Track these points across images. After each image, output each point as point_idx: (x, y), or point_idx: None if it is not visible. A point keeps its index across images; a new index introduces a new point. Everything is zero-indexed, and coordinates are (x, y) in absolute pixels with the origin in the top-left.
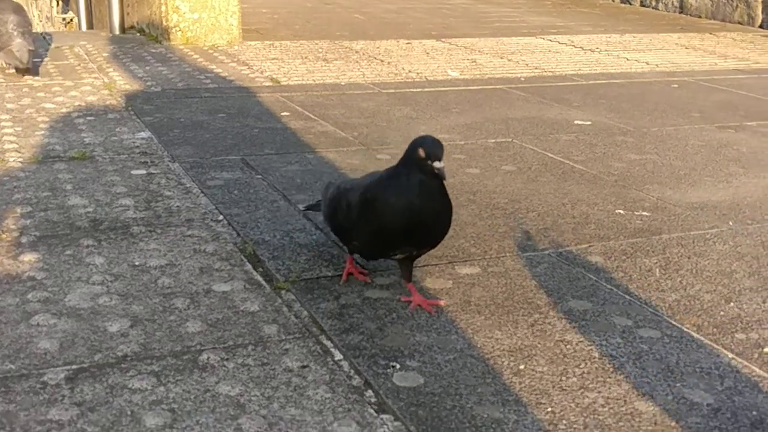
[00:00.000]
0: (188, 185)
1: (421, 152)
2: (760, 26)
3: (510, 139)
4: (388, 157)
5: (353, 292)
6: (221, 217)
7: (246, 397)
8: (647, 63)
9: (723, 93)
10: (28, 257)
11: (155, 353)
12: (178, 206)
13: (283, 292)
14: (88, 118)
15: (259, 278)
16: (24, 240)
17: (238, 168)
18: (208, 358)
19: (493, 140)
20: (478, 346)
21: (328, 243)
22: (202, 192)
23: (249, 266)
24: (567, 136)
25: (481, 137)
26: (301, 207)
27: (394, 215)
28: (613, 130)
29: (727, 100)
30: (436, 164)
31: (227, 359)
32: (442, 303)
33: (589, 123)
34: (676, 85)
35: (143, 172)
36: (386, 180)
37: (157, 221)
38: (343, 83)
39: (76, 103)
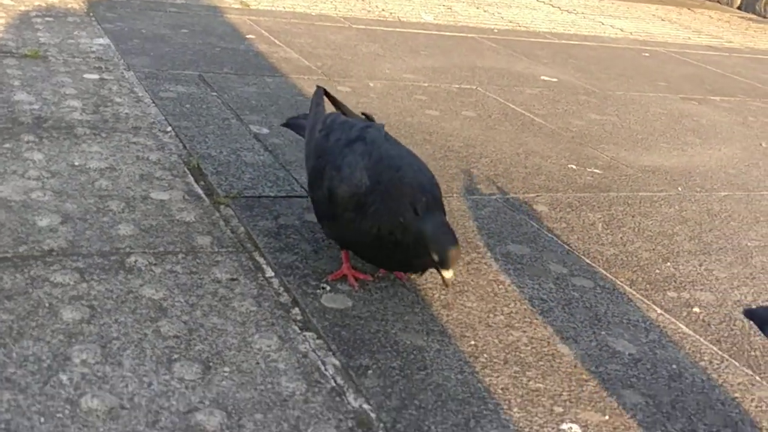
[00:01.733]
0: (140, 94)
1: (435, 256)
2: (738, 8)
3: (474, 87)
4: (348, 90)
5: (293, 214)
6: (169, 129)
7: (169, 302)
8: (621, 30)
9: (692, 67)
10: None
11: (82, 251)
12: (126, 113)
13: (222, 206)
14: (47, 18)
15: (200, 191)
16: None
17: (194, 83)
18: (136, 261)
19: (458, 86)
20: (412, 277)
21: (275, 165)
22: (154, 102)
23: (191, 178)
24: (531, 90)
25: (445, 81)
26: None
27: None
28: (578, 89)
29: (695, 73)
30: (446, 274)
31: (155, 264)
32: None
33: (555, 80)
34: (647, 54)
35: (96, 77)
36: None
37: (104, 125)
38: (313, 14)
39: (37, 3)
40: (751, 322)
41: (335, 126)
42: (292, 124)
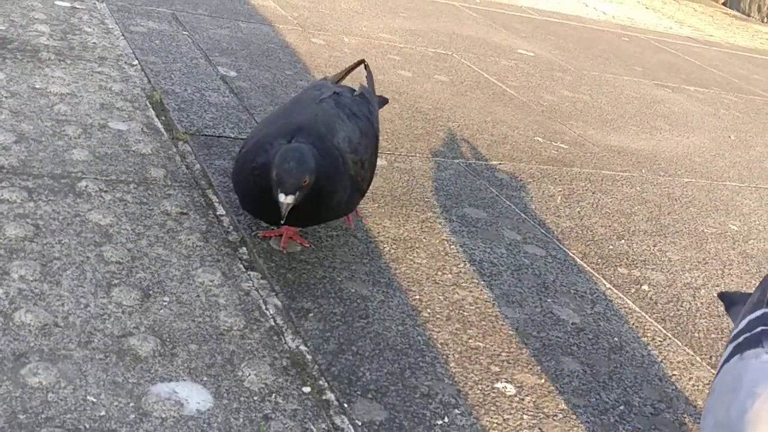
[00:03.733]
0: (111, 26)
1: (274, 173)
2: (724, 4)
3: (450, 53)
4: (322, 43)
5: None
6: (136, 62)
7: (115, 229)
8: (604, 13)
9: (670, 55)
10: None
11: (33, 171)
12: (94, 43)
13: (180, 142)
14: None
15: (159, 125)
16: None
17: (166, 21)
18: (87, 186)
19: (433, 50)
20: (364, 229)
21: (239, 108)
22: (123, 35)
23: (152, 112)
24: (507, 62)
25: (421, 45)
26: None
27: None
28: (553, 65)
29: (672, 62)
30: (280, 197)
31: (106, 191)
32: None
33: (531, 54)
34: (626, 39)
35: (67, 5)
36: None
37: (69, 52)
38: None
39: None
40: (722, 304)
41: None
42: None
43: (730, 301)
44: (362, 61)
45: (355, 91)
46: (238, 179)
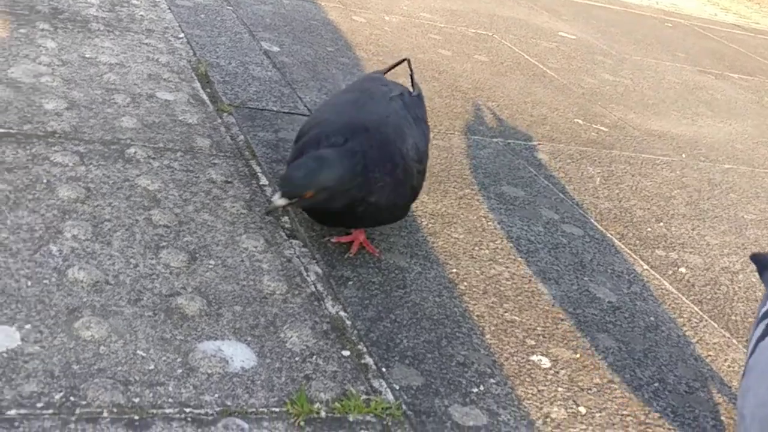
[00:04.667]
0: (158, 0)
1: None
2: None
3: (490, 34)
4: (363, 20)
5: (294, 130)
6: (182, 35)
7: (163, 194)
8: None
9: (714, 42)
10: None
11: (84, 137)
12: (142, 15)
13: (224, 114)
14: None
15: (204, 97)
16: None
17: None
18: (135, 152)
19: (474, 31)
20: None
21: (282, 82)
22: (170, 9)
23: (197, 84)
24: (548, 44)
25: (462, 25)
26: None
27: None
28: (594, 49)
29: (716, 49)
30: (274, 198)
31: (154, 158)
32: (376, 253)
33: (573, 37)
34: (670, 25)
35: None
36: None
37: (118, 24)
38: None
39: None
40: (755, 267)
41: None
42: None
43: (764, 264)
44: (406, 60)
45: (411, 91)
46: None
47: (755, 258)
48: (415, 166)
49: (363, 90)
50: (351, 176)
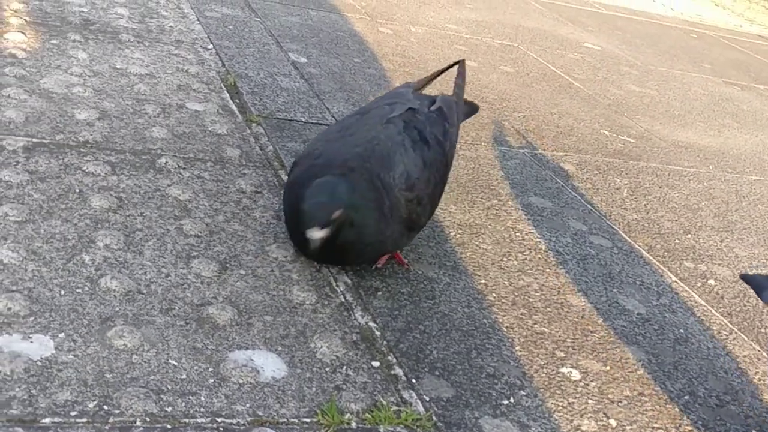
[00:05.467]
0: (186, 11)
1: (303, 206)
2: None
3: (516, 45)
4: (389, 32)
5: None
6: (211, 46)
7: (194, 204)
8: (672, 9)
9: (739, 53)
10: (14, 37)
11: (116, 146)
12: (171, 26)
13: (253, 124)
14: None
15: (234, 107)
16: (13, 21)
17: (239, 7)
18: (166, 162)
19: (499, 42)
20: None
21: (309, 93)
22: (198, 20)
23: (226, 95)
24: (573, 55)
25: (487, 36)
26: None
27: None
28: (620, 60)
29: (742, 60)
30: (307, 232)
31: (184, 168)
32: (405, 264)
33: (598, 48)
34: (694, 36)
35: None
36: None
37: (147, 35)
38: None
39: None
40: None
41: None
42: None
43: (758, 284)
44: (460, 62)
45: (434, 103)
46: (286, 203)
47: (746, 278)
48: (404, 195)
49: (364, 112)
50: (362, 191)
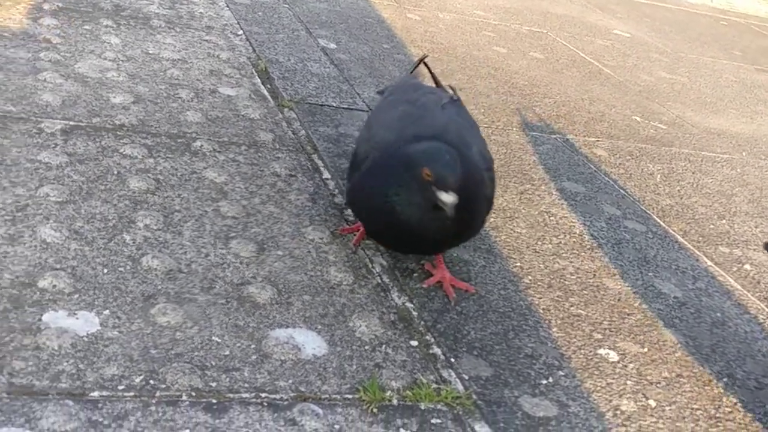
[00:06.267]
0: None
1: (426, 173)
2: None
3: (545, 31)
4: (417, 18)
5: (353, 125)
6: (241, 32)
7: (230, 187)
8: None
9: None
10: (48, 22)
11: (151, 130)
12: (201, 13)
13: (286, 109)
14: None
15: (265, 92)
16: (46, 7)
17: None
18: (201, 146)
19: (528, 28)
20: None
21: (340, 78)
22: (228, 6)
23: (258, 80)
24: (603, 42)
25: (516, 23)
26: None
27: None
28: (650, 46)
29: None
30: (442, 196)
31: (219, 151)
32: (471, 289)
33: (628, 35)
34: (725, 23)
35: None
36: (378, 177)
37: (178, 21)
38: None
39: None
40: None
41: (402, 83)
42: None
43: None
44: (424, 59)
45: (453, 95)
46: (365, 207)
47: None
48: (487, 174)
49: (411, 101)
50: (469, 161)
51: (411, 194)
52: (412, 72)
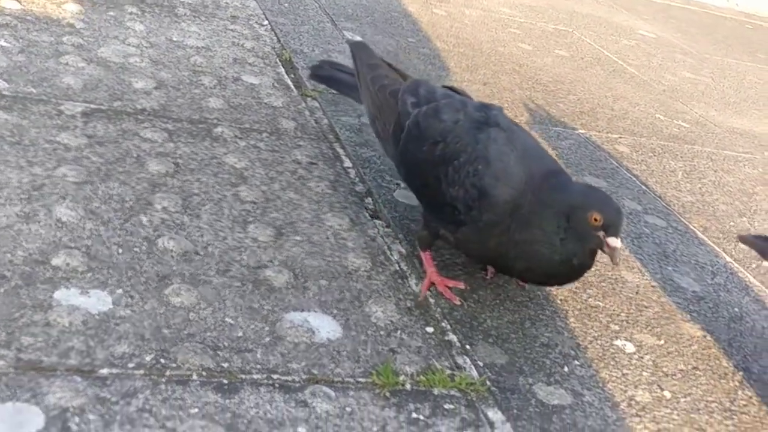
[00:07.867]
0: None
1: (596, 218)
2: None
3: (570, 30)
4: (444, 13)
5: None
6: (266, 22)
7: (250, 172)
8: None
9: None
10: (72, 7)
11: (173, 115)
12: (227, 2)
13: (308, 98)
14: None
15: (289, 81)
16: None
17: None
18: (222, 132)
19: (554, 26)
20: None
21: None
22: None
23: (282, 69)
24: (628, 42)
25: (541, 20)
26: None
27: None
28: (674, 47)
29: None
30: (611, 241)
31: (240, 138)
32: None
33: (653, 36)
34: (750, 26)
35: None
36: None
37: (203, 10)
38: None
39: None
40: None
41: (439, 99)
42: (325, 77)
43: (760, 247)
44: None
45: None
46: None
47: (745, 240)
48: None
49: (501, 126)
50: None
51: (571, 238)
52: (375, 69)
